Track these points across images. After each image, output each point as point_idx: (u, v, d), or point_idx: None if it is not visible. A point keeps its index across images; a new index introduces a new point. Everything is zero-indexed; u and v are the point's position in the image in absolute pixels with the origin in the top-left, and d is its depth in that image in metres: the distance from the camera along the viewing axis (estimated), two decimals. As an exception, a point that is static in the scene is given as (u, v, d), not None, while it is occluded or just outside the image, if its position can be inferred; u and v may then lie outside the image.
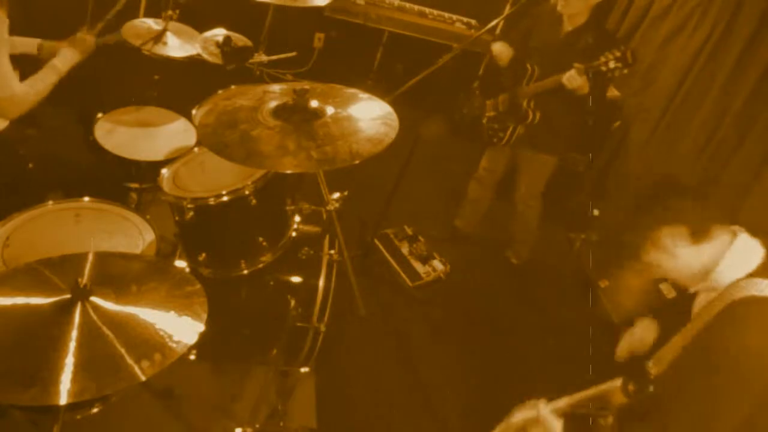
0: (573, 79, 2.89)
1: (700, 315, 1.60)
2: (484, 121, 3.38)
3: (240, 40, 3.14)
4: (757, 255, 1.57)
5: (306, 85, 2.08)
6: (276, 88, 2.18)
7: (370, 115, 2.06)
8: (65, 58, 2.50)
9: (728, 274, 1.57)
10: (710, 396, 1.48)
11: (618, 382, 1.78)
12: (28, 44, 2.61)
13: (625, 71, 2.80)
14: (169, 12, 2.95)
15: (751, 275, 1.54)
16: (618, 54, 2.76)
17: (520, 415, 1.79)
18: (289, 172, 1.91)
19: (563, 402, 1.72)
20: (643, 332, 1.90)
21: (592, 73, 2.84)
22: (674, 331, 1.68)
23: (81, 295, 1.44)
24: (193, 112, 2.64)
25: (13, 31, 2.29)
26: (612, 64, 2.77)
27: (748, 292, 1.51)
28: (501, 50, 3.23)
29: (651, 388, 1.63)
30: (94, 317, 1.42)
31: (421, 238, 3.66)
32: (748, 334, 1.48)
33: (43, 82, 2.41)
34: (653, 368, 1.70)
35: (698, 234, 1.59)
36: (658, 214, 1.62)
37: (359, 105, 2.11)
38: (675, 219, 1.60)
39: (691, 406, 1.50)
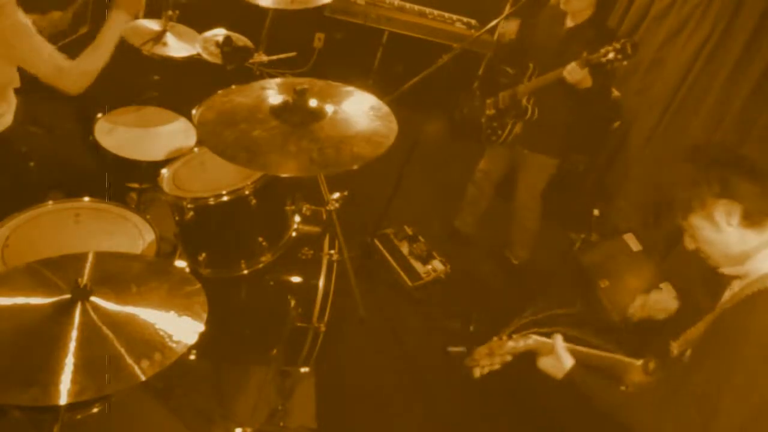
0: (574, 71, 2.88)
1: (729, 299, 1.59)
2: (484, 120, 3.38)
3: (240, 40, 3.13)
4: None
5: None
6: (274, 84, 2.18)
7: (367, 113, 2.06)
8: (117, 21, 2.43)
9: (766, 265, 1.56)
10: (719, 371, 1.47)
11: (637, 361, 1.80)
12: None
13: (625, 63, 2.80)
14: (169, 12, 2.95)
15: None
16: (618, 46, 2.75)
17: (537, 338, 1.85)
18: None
19: (580, 348, 1.78)
20: (661, 296, 1.89)
21: (593, 66, 2.83)
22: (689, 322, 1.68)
23: (81, 295, 1.43)
24: (193, 112, 2.65)
25: None
26: (611, 56, 2.76)
27: None
28: (509, 25, 3.23)
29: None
30: (94, 317, 1.41)
31: (421, 238, 3.65)
32: None
33: (94, 53, 2.37)
34: (675, 349, 1.69)
35: (752, 218, 1.55)
36: (716, 184, 1.56)
37: (359, 105, 2.11)
38: (733, 195, 1.55)
39: (704, 380, 1.49)
